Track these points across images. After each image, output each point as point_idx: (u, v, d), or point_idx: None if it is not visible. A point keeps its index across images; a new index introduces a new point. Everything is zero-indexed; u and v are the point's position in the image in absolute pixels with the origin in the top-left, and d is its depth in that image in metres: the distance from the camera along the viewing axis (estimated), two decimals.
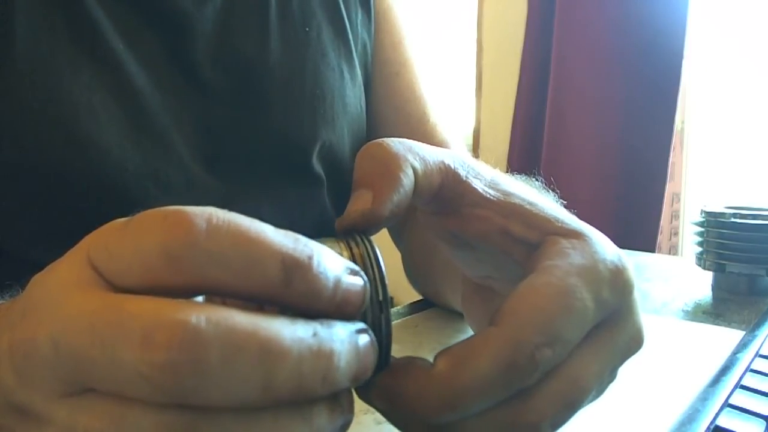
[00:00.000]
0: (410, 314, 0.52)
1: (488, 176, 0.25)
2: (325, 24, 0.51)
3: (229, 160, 0.44)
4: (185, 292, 0.17)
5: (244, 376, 0.16)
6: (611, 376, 0.23)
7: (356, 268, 0.18)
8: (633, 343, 0.23)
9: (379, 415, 0.21)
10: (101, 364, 0.16)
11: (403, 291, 0.57)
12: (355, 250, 0.20)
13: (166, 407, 0.16)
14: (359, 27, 0.54)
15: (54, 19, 0.36)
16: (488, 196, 0.24)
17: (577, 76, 1.56)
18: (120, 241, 0.17)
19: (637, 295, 0.23)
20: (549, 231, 0.23)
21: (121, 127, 0.38)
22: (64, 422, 0.17)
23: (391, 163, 0.22)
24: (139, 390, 0.15)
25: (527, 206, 0.24)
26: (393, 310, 0.53)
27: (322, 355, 0.17)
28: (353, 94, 0.52)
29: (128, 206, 0.39)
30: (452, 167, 0.24)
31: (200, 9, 0.42)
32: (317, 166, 0.49)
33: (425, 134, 0.57)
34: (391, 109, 0.57)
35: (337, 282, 0.18)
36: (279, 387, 0.16)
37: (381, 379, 0.20)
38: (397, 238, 0.59)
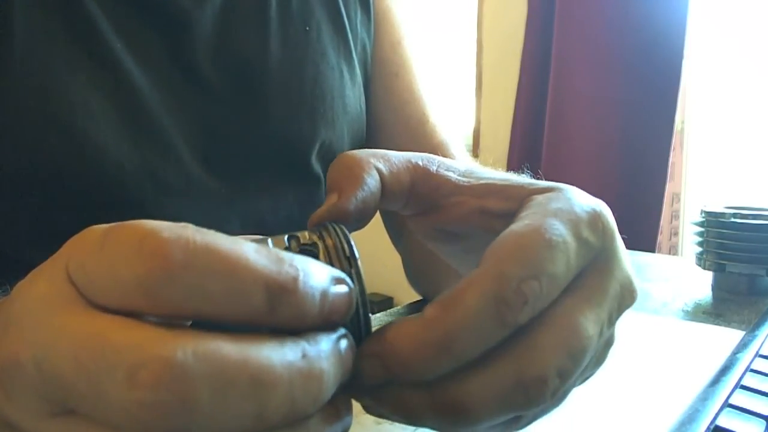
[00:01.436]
0: (410, 314, 0.52)
1: (462, 168, 0.26)
2: (325, 23, 0.51)
3: (228, 160, 0.44)
4: (167, 318, 0.16)
5: (236, 409, 0.15)
6: (609, 328, 0.22)
7: (342, 275, 0.18)
8: (626, 292, 0.23)
9: None
10: (87, 396, 0.15)
11: (403, 291, 0.57)
12: (328, 241, 0.20)
13: None
14: (359, 27, 0.54)
15: (52, 19, 0.36)
16: (462, 183, 0.25)
17: (577, 76, 1.56)
18: (97, 262, 0.16)
19: (621, 243, 0.23)
20: (525, 195, 0.23)
21: (119, 126, 0.38)
22: None
23: (355, 167, 0.24)
24: (127, 424, 0.15)
25: (501, 182, 0.25)
26: (393, 310, 0.53)
27: (313, 377, 0.16)
28: (353, 93, 0.52)
29: (126, 206, 0.39)
30: (420, 164, 0.25)
31: (200, 8, 0.42)
32: (316, 166, 0.49)
33: (425, 135, 0.57)
34: (390, 109, 0.57)
35: (324, 296, 0.17)
36: (272, 414, 0.16)
37: (368, 348, 0.19)
38: (397, 241, 0.59)
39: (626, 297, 0.23)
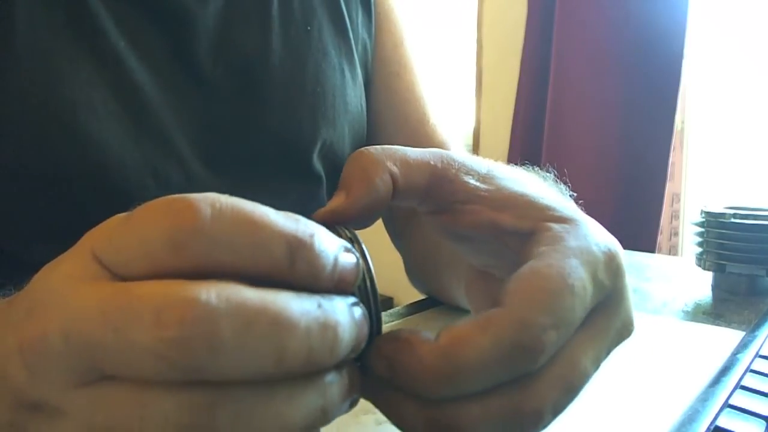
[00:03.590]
0: (410, 314, 0.52)
1: (483, 170, 0.25)
2: (326, 23, 0.51)
3: (230, 158, 0.44)
4: (192, 277, 0.17)
5: (257, 348, 0.16)
6: (603, 361, 0.23)
7: (348, 245, 0.19)
8: (624, 329, 0.23)
9: (379, 415, 0.21)
10: (115, 349, 0.16)
11: (403, 291, 0.57)
12: (342, 234, 0.21)
13: (184, 386, 0.16)
14: (360, 27, 0.54)
15: (55, 16, 0.36)
16: (479, 191, 0.24)
17: (577, 76, 1.56)
18: (124, 232, 0.17)
19: (628, 282, 0.23)
20: (540, 219, 0.23)
21: (121, 123, 0.38)
22: (83, 412, 0.17)
23: (369, 169, 0.23)
24: (156, 370, 0.16)
25: (518, 196, 0.24)
26: (393, 310, 0.53)
27: (329, 326, 0.17)
28: (354, 93, 0.52)
29: (128, 203, 0.39)
30: (439, 167, 0.25)
31: (202, 6, 0.42)
32: (318, 165, 0.49)
33: (425, 135, 0.57)
34: (390, 109, 0.57)
35: (335, 260, 0.18)
36: (291, 358, 0.16)
37: (383, 344, 0.20)
38: (397, 239, 0.59)
39: (624, 333, 0.23)
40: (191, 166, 0.42)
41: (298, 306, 0.17)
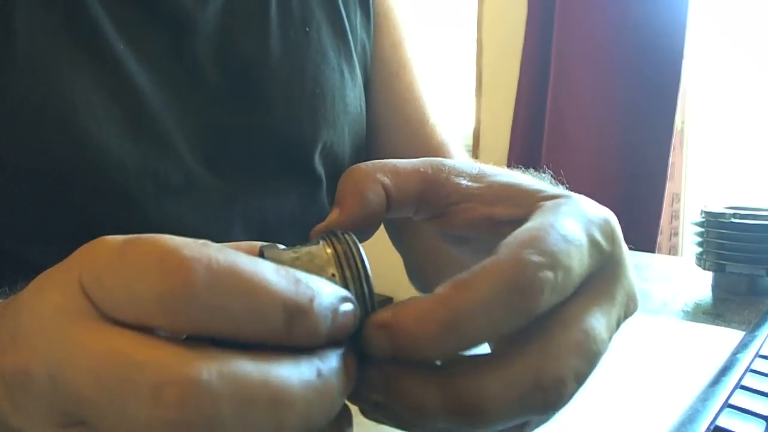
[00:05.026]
0: None
1: (473, 170, 0.25)
2: (325, 24, 0.51)
3: (230, 160, 0.44)
4: (181, 334, 0.16)
5: (256, 426, 0.16)
6: (616, 334, 0.22)
7: (348, 294, 0.19)
8: (630, 302, 0.23)
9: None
10: (107, 412, 0.15)
11: (403, 291, 0.57)
12: (338, 248, 0.20)
13: None
14: (358, 28, 0.54)
15: (54, 18, 0.36)
16: (471, 190, 0.25)
17: (577, 76, 1.56)
18: (114, 277, 0.16)
19: (628, 253, 0.23)
20: (533, 202, 0.23)
21: (121, 125, 0.38)
22: None
23: (361, 183, 0.24)
24: None
25: (510, 187, 0.24)
26: None
27: (327, 394, 0.17)
28: (353, 94, 0.52)
29: (127, 205, 0.39)
30: (430, 172, 0.25)
31: (201, 9, 0.42)
32: (318, 166, 0.49)
33: (425, 135, 0.57)
34: (390, 110, 0.57)
35: (335, 314, 0.18)
36: (289, 429, 0.16)
37: (376, 318, 0.19)
38: (397, 241, 0.59)
39: (630, 306, 0.23)
40: (191, 167, 0.42)
41: (298, 377, 0.16)
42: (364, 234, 0.24)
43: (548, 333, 0.19)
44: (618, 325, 0.22)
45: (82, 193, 0.37)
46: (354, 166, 0.25)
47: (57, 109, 0.35)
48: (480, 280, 0.18)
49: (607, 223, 0.22)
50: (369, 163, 0.25)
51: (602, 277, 0.22)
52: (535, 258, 0.19)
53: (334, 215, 0.24)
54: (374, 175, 0.24)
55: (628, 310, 0.23)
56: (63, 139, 0.36)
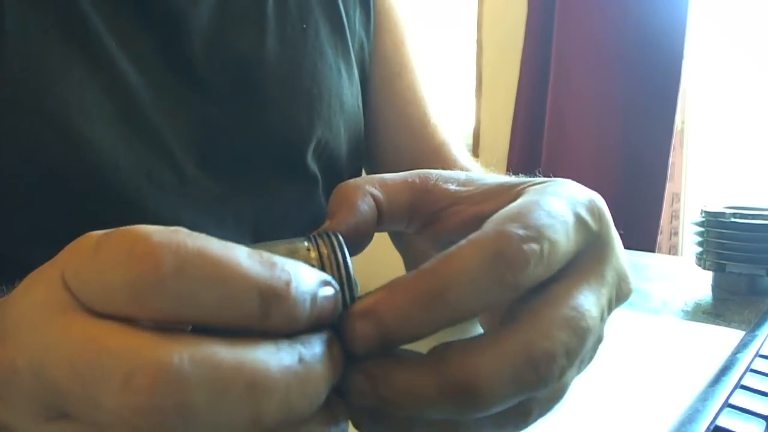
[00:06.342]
0: None
1: (462, 177, 0.26)
2: (323, 21, 0.50)
3: (224, 158, 0.44)
4: (158, 323, 0.16)
5: (232, 413, 0.15)
6: (608, 315, 0.22)
7: (328, 278, 0.18)
8: (622, 283, 0.23)
9: None
10: (82, 401, 0.15)
11: None
12: (323, 250, 0.20)
13: None
14: (357, 25, 0.54)
15: (46, 18, 0.36)
16: (460, 194, 0.25)
17: (577, 76, 1.56)
18: (90, 269, 0.16)
19: (617, 236, 0.23)
20: (520, 190, 0.24)
21: (114, 125, 0.38)
22: None
23: (351, 195, 0.24)
24: (122, 430, 0.15)
25: (497, 186, 0.25)
26: None
27: (310, 381, 0.16)
28: (350, 92, 0.52)
29: (122, 205, 0.39)
30: (417, 181, 0.26)
31: (194, 6, 0.42)
32: (313, 165, 0.49)
33: (426, 135, 0.57)
34: (391, 109, 0.57)
35: (314, 299, 0.17)
36: (268, 419, 0.16)
37: (359, 305, 0.19)
38: (397, 241, 0.59)
39: (623, 288, 0.23)
40: (185, 166, 0.42)
41: (277, 363, 0.16)
42: (357, 247, 0.24)
43: (537, 310, 0.19)
44: (610, 306, 0.22)
45: (74, 193, 0.37)
46: (342, 182, 0.25)
47: (49, 109, 0.35)
48: (466, 251, 0.18)
49: (592, 203, 0.22)
50: (357, 179, 0.26)
51: (591, 256, 0.22)
52: (520, 231, 0.19)
53: (326, 226, 0.24)
54: (364, 187, 0.25)
55: (621, 291, 0.23)
56: (56, 140, 0.35)
